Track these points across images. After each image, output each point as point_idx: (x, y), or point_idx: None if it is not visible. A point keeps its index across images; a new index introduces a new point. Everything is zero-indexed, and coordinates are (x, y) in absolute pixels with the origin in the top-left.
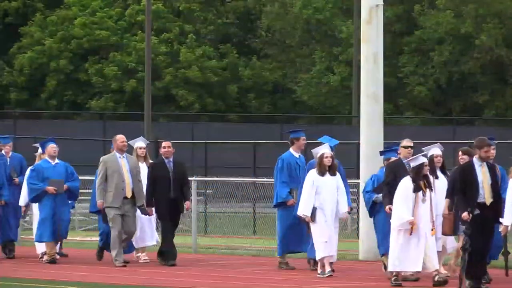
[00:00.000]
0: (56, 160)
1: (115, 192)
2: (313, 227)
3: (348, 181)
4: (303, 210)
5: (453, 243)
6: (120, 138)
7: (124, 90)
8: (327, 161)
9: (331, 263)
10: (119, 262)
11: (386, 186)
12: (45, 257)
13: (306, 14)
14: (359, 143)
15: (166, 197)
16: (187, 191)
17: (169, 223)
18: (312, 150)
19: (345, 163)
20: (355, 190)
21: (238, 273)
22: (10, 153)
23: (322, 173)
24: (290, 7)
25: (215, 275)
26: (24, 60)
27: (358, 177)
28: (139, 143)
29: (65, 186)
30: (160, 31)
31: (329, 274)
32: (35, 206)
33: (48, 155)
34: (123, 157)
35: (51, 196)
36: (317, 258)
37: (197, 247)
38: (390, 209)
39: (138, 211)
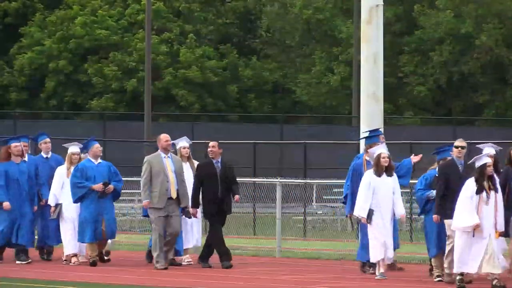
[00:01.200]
0: (99, 160)
1: (159, 193)
2: (369, 228)
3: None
4: (359, 211)
5: (503, 244)
6: (164, 137)
7: (124, 90)
8: (384, 162)
9: (393, 264)
10: (160, 264)
11: (438, 195)
12: (78, 259)
13: (306, 14)
14: (359, 143)
15: (214, 197)
16: (236, 188)
17: (218, 223)
18: (369, 150)
19: (345, 163)
20: None
21: (238, 273)
22: (50, 153)
23: (379, 174)
24: (290, 7)
25: (215, 275)
26: (24, 61)
27: None
28: (183, 143)
29: (111, 186)
30: (160, 31)
31: (383, 277)
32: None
33: (93, 155)
34: (168, 157)
35: (94, 196)
36: (372, 260)
37: (197, 247)
38: (437, 219)
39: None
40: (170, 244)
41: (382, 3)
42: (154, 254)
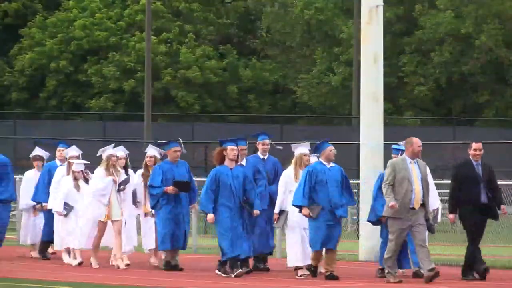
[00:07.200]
0: (332, 164)
1: (401, 202)
2: None
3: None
4: None
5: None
6: (416, 142)
7: (123, 90)
8: None
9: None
10: (393, 278)
11: None
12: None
13: (307, 15)
14: (359, 143)
15: (476, 203)
16: (500, 196)
17: (476, 232)
18: None
19: (345, 163)
20: (355, 190)
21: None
22: (267, 154)
23: None
24: (291, 7)
25: (215, 275)
26: (25, 61)
27: (358, 177)
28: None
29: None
30: (159, 31)
31: None
32: None
33: (325, 157)
34: (414, 162)
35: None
36: None
37: (197, 247)
38: None
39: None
40: (425, 252)
41: (382, 3)
42: (386, 265)
